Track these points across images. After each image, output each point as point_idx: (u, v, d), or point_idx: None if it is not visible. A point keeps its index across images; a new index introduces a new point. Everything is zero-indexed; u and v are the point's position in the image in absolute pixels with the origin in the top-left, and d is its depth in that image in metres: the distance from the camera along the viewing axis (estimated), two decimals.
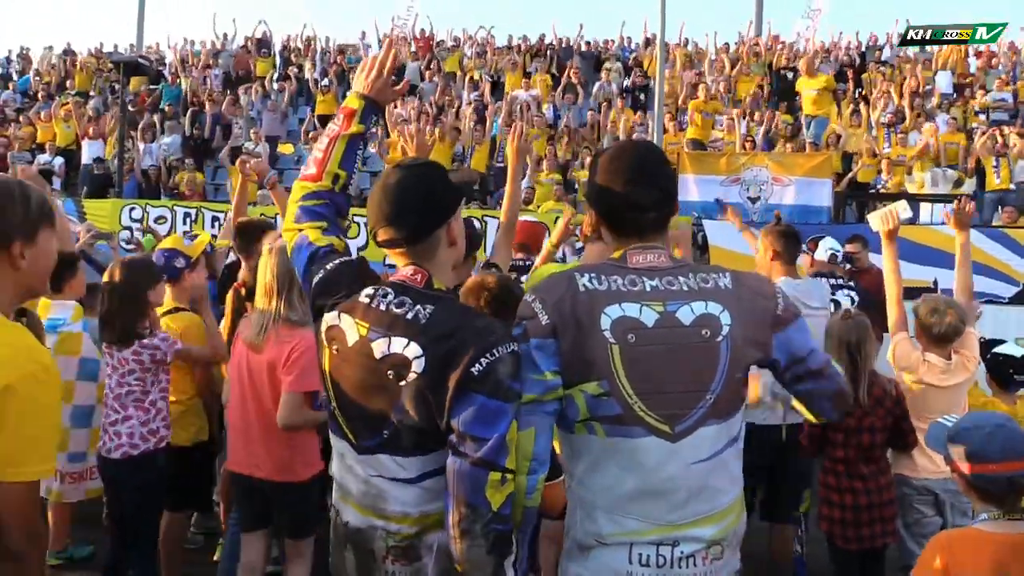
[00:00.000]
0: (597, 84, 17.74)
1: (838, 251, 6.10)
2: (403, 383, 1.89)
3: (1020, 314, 8.89)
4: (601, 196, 2.05)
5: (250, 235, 4.40)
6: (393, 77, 2.25)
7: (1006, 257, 9.43)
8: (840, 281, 5.61)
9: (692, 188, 11.40)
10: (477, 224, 10.30)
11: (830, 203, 11.24)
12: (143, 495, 3.74)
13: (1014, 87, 16.12)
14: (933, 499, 3.87)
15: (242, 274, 4.48)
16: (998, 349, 4.20)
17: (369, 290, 2.00)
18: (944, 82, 16.88)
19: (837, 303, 5.20)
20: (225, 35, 21.40)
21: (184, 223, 11.17)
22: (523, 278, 4.59)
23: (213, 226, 11.21)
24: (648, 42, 19.51)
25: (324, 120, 16.48)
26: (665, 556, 1.91)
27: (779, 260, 4.35)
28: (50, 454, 1.76)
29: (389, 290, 1.98)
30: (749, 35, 21.48)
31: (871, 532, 3.76)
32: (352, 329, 1.96)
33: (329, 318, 2.02)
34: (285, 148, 16.02)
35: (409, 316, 1.92)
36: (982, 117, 15.03)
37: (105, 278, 3.89)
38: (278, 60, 20.52)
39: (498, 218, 10.07)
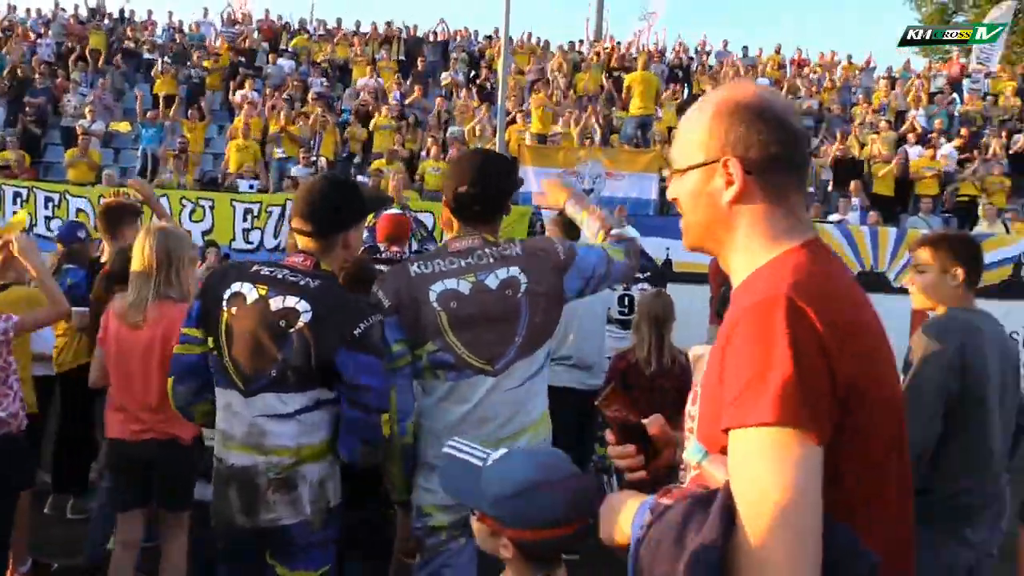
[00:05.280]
0: (444, 74, 18.17)
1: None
2: (292, 329, 2.39)
3: None
4: (445, 193, 2.65)
5: (116, 217, 4.47)
6: None
7: None
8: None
9: (532, 179, 12.05)
10: None
11: (657, 197, 12.19)
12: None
13: (819, 96, 17.83)
14: None
15: (106, 259, 4.48)
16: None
17: (268, 267, 2.53)
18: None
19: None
20: (57, 3, 20.25)
21: (15, 203, 10.70)
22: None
23: (46, 207, 10.84)
24: (493, 36, 20.09)
25: (163, 99, 16.06)
26: None
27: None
28: None
29: (285, 269, 2.50)
30: (588, 35, 22.52)
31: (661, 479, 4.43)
32: (253, 292, 2.46)
33: (235, 287, 2.49)
34: (121, 126, 15.50)
35: (301, 283, 2.46)
36: None
37: None
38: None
39: None
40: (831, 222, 11.74)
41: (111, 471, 3.83)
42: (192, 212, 10.83)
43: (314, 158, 13.65)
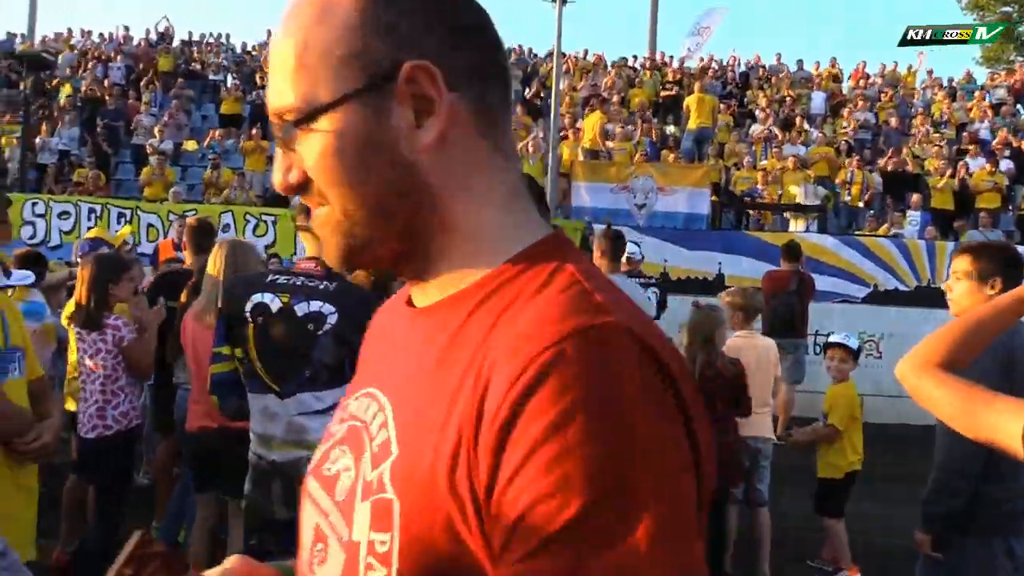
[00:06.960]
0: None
1: (634, 253, 7.22)
2: (320, 332, 2.60)
3: (870, 312, 10.06)
4: None
5: (203, 234, 4.86)
6: None
7: (858, 261, 10.59)
8: (644, 280, 6.78)
9: (584, 195, 12.20)
10: None
11: (708, 211, 12.23)
12: (115, 476, 4.03)
13: (875, 110, 17.62)
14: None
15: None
16: (834, 339, 5.07)
17: (283, 275, 2.74)
18: (818, 101, 18.32)
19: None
20: (127, 28, 21.15)
21: (89, 219, 11.26)
22: None
23: (119, 222, 11.37)
24: (549, 53, 20.32)
25: (228, 119, 16.65)
26: None
27: (605, 258, 5.30)
28: None
29: (300, 276, 2.71)
30: (643, 51, 22.60)
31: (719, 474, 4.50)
32: (275, 301, 2.67)
33: (255, 298, 2.68)
34: (189, 145, 16.13)
35: (320, 287, 2.68)
36: (850, 133, 16.42)
37: (79, 271, 4.23)
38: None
39: None
40: (885, 236, 11.65)
41: (191, 458, 4.13)
42: (256, 227, 11.25)
43: None
